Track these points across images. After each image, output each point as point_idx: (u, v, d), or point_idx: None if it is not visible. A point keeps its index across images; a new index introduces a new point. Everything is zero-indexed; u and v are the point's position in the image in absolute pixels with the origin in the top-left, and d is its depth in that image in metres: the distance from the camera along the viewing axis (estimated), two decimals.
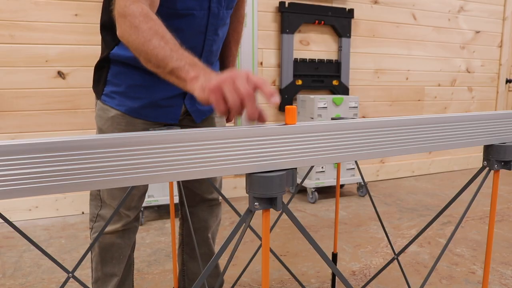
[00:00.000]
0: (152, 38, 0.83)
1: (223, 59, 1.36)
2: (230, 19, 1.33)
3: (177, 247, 1.58)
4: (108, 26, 1.09)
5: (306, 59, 3.23)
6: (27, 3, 2.50)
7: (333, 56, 3.38)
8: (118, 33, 0.90)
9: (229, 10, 1.14)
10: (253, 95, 0.67)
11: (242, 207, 2.87)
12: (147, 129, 1.15)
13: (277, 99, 0.67)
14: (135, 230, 1.28)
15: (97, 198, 1.22)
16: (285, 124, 0.63)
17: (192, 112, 1.21)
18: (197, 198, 1.37)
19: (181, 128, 1.17)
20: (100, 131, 1.16)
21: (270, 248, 0.81)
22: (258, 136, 0.58)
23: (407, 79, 3.76)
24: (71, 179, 0.48)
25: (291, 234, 2.39)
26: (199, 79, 0.75)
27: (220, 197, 1.41)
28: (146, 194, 2.57)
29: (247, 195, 0.60)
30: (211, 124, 1.28)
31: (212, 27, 1.11)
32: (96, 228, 1.23)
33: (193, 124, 1.25)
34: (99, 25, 1.19)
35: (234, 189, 3.18)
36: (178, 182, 1.34)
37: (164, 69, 0.82)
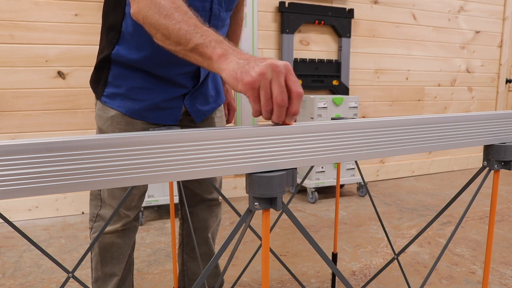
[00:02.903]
0: (174, 12, 0.77)
1: None
2: (229, 21, 1.34)
3: (177, 247, 1.58)
4: (113, 26, 1.08)
5: (306, 59, 3.23)
6: (27, 3, 2.50)
7: (333, 56, 3.38)
8: (133, 10, 0.86)
9: (228, 11, 1.14)
10: (286, 103, 0.62)
11: (242, 207, 2.87)
12: (147, 129, 1.15)
13: (292, 121, 0.64)
14: (135, 229, 1.29)
15: (97, 198, 1.22)
16: (286, 124, 0.63)
17: (192, 112, 1.21)
18: (197, 198, 1.37)
19: (181, 128, 1.17)
20: (100, 130, 1.16)
21: (270, 248, 0.81)
22: (258, 136, 0.58)
23: (407, 79, 3.76)
24: (71, 179, 0.48)
25: (291, 234, 2.39)
26: (229, 58, 0.68)
27: (220, 197, 1.41)
28: (146, 194, 2.57)
29: (247, 195, 0.59)
30: (211, 124, 1.28)
31: (212, 28, 1.12)
32: (96, 228, 1.23)
33: (192, 124, 1.25)
34: (100, 25, 1.18)
35: (234, 189, 3.18)
36: (178, 182, 1.34)
37: (186, 46, 0.75)
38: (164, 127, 1.15)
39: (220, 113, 1.32)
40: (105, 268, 1.26)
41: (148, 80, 1.11)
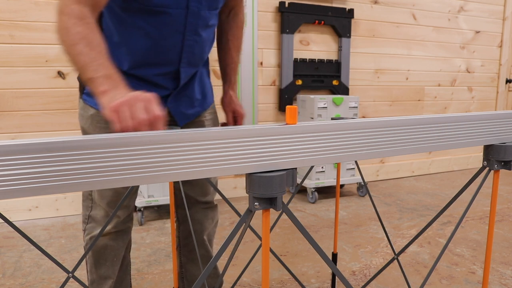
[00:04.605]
0: (78, 43, 0.82)
1: (224, 66, 1.33)
2: (229, 25, 1.30)
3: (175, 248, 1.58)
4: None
5: (306, 59, 3.23)
6: (27, 3, 2.50)
7: (333, 56, 3.38)
8: (55, 29, 0.91)
9: (212, 10, 1.11)
10: (145, 126, 0.73)
11: (242, 207, 2.87)
12: None
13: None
14: (128, 230, 1.27)
15: (88, 198, 1.21)
16: (286, 124, 0.63)
17: (175, 115, 1.20)
18: (191, 201, 1.36)
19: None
20: (83, 130, 1.16)
21: (270, 248, 0.81)
22: (258, 136, 0.58)
23: (407, 79, 3.76)
24: (70, 179, 0.48)
25: (291, 234, 2.39)
26: (108, 95, 0.78)
27: (215, 200, 1.40)
28: (146, 194, 2.57)
29: (247, 195, 0.59)
30: (201, 127, 1.27)
31: (191, 27, 1.08)
32: (88, 230, 1.22)
33: (176, 127, 1.24)
34: None
35: (234, 189, 3.18)
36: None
37: (84, 77, 0.82)
38: None
39: (210, 116, 1.30)
40: (99, 270, 1.24)
41: (126, 80, 1.09)
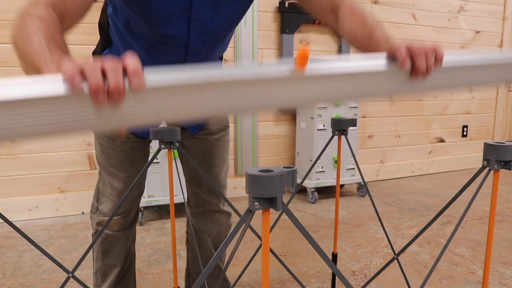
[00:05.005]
0: (33, 37, 0.66)
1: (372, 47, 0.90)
2: (348, 22, 0.96)
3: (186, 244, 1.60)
4: (103, 26, 1.11)
5: None
6: None
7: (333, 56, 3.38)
8: (11, 32, 0.72)
9: (218, 44, 1.08)
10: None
11: (242, 207, 2.87)
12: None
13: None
14: (134, 220, 1.30)
15: (98, 192, 1.25)
16: (297, 68, 0.62)
17: (186, 126, 1.22)
18: (199, 200, 1.37)
19: (181, 142, 1.19)
20: None
21: (270, 248, 0.81)
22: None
23: None
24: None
25: (291, 234, 2.39)
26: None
27: (227, 208, 1.40)
28: (146, 194, 2.57)
29: (247, 195, 0.59)
30: (210, 132, 1.27)
31: (190, 61, 1.08)
32: (94, 218, 1.26)
33: (191, 136, 1.24)
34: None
35: (234, 189, 3.18)
36: (186, 185, 1.35)
37: (30, 69, 0.64)
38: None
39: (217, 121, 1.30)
40: (106, 259, 1.28)
41: None
